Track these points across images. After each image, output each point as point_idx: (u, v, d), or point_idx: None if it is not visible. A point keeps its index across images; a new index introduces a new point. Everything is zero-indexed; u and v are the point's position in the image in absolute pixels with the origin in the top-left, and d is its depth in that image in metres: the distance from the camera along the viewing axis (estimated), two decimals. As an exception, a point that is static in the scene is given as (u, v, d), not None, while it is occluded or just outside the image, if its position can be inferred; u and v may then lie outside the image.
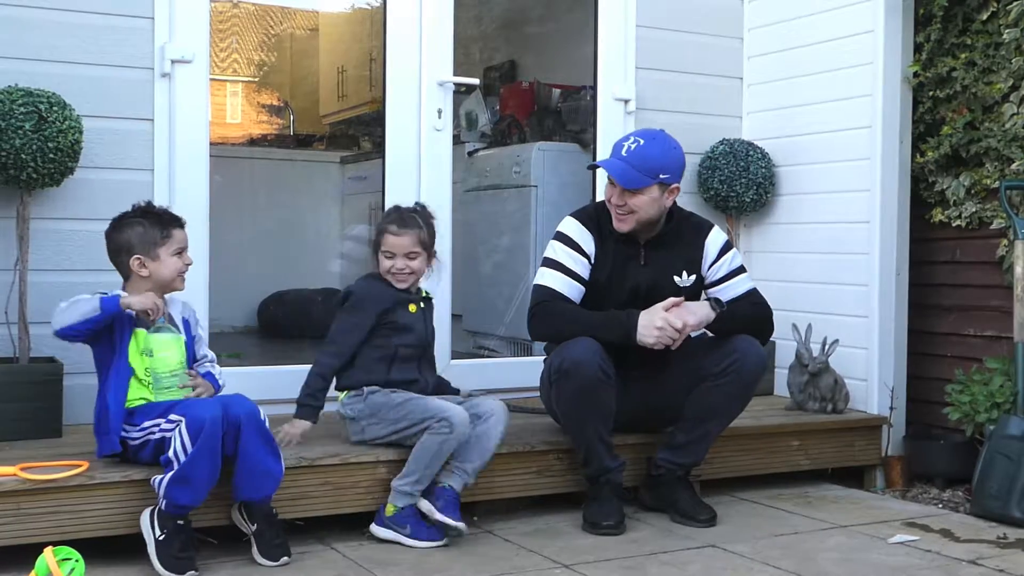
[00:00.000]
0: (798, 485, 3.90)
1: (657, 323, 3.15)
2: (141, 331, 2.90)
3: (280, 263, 6.22)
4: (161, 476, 2.72)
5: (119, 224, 2.97)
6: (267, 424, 2.85)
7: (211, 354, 3.15)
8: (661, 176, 3.22)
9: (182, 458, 2.69)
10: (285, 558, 2.85)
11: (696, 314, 3.22)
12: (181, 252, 2.98)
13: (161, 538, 2.71)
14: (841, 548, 3.14)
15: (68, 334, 2.81)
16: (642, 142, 3.25)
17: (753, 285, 3.46)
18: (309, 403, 3.15)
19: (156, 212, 2.99)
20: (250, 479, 2.80)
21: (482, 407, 3.17)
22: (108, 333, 2.86)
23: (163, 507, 2.72)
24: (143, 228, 2.93)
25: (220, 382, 3.07)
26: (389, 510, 3.06)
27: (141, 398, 2.87)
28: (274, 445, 2.85)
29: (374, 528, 3.08)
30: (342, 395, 3.25)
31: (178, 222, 3.00)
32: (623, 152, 3.25)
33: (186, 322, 3.07)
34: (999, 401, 3.67)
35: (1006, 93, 3.86)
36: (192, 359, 3.06)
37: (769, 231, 4.56)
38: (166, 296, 2.96)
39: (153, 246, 2.93)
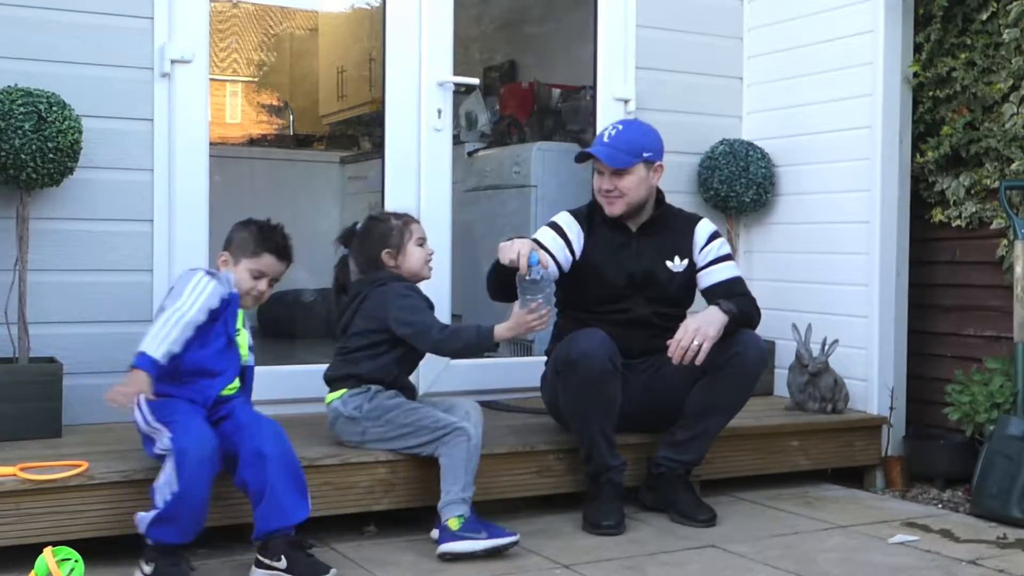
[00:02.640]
0: (798, 485, 3.90)
1: (502, 243, 3.18)
2: (241, 313, 2.99)
3: (280, 263, 6.21)
4: (145, 512, 2.64)
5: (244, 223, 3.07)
6: (298, 461, 2.79)
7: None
8: (644, 154, 3.40)
9: (166, 495, 2.60)
10: (334, 570, 2.71)
11: (714, 324, 3.21)
12: (260, 276, 2.99)
13: (150, 572, 2.64)
14: (841, 548, 3.14)
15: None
16: (621, 128, 3.47)
17: (739, 274, 3.55)
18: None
19: (270, 232, 3.03)
20: (269, 513, 2.68)
21: (457, 414, 3.13)
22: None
23: (150, 543, 2.65)
24: (250, 237, 3.00)
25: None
26: (454, 524, 2.93)
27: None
28: (302, 482, 2.76)
29: (445, 547, 2.92)
30: (341, 392, 3.18)
31: (279, 252, 3.03)
32: (605, 139, 3.45)
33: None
34: (999, 401, 3.67)
35: (1006, 93, 3.86)
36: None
37: (769, 231, 4.56)
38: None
39: (241, 254, 2.98)
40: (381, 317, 3.17)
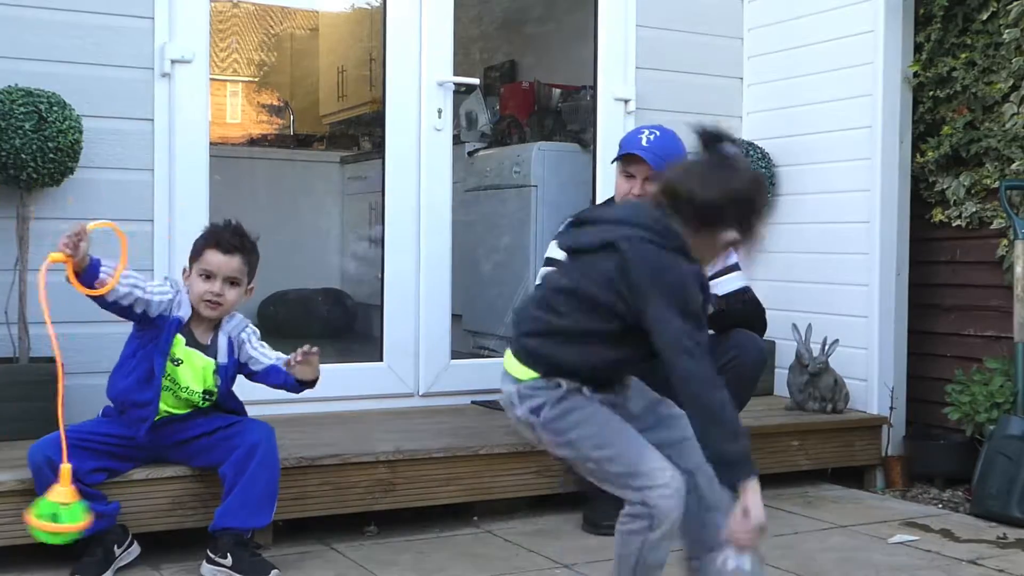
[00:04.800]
0: (798, 485, 3.90)
1: None
2: (180, 338, 2.81)
3: (280, 263, 6.20)
4: None
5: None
6: (278, 469, 2.81)
7: (279, 355, 2.94)
8: None
9: None
10: (276, 570, 2.73)
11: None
12: (209, 277, 2.79)
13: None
14: (841, 548, 3.14)
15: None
16: (658, 133, 3.36)
17: (747, 283, 3.52)
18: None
19: (216, 229, 2.86)
20: (233, 511, 2.74)
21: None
22: (151, 325, 2.78)
23: None
24: (199, 239, 2.86)
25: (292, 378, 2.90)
26: None
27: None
28: (274, 489, 2.79)
29: None
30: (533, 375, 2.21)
31: (221, 245, 2.80)
32: (644, 143, 3.32)
33: (231, 343, 2.87)
34: (999, 401, 3.67)
35: (1006, 93, 3.86)
36: (228, 383, 2.88)
37: (769, 231, 4.55)
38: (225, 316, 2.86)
39: (192, 260, 2.85)
40: None
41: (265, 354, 2.93)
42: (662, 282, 2.05)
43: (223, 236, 2.84)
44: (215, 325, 2.86)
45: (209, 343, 2.86)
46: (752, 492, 1.98)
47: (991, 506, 3.48)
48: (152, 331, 2.79)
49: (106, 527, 2.72)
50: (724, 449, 2.00)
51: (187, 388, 2.82)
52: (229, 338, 2.89)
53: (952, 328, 4.14)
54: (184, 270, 2.89)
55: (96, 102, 3.44)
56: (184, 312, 2.81)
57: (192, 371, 2.82)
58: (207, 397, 2.86)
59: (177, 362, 2.81)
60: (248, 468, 2.74)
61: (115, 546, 2.75)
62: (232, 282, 2.82)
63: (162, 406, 2.82)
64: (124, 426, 2.74)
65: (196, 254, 2.85)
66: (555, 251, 3.41)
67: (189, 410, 2.86)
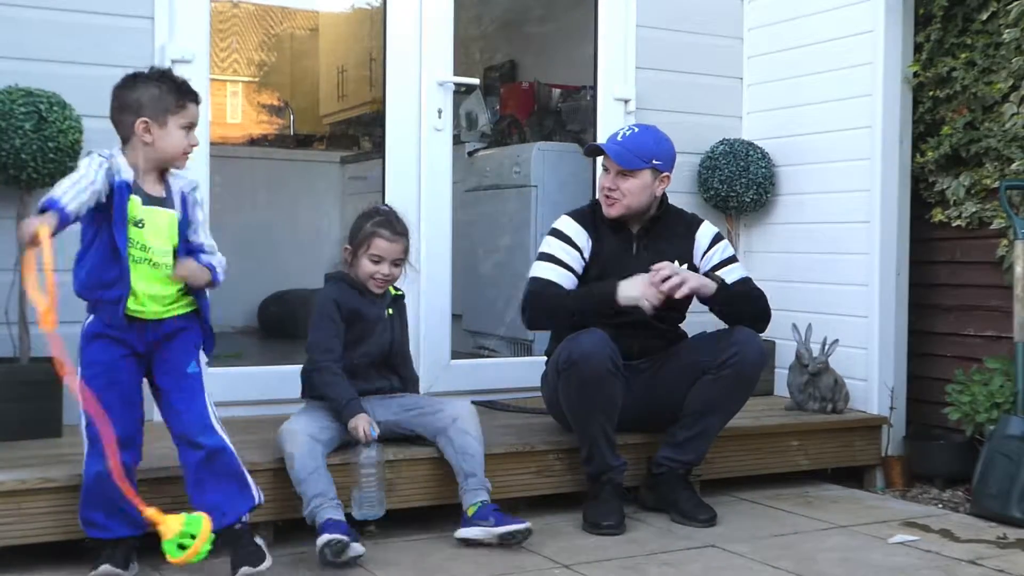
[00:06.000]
0: (798, 485, 3.90)
1: (639, 280, 3.25)
2: (135, 199, 2.61)
3: (280, 263, 6.22)
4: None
5: (132, 81, 2.69)
6: (236, 460, 2.73)
7: (211, 243, 2.79)
8: (654, 162, 3.39)
9: (88, 477, 2.63)
10: (268, 560, 2.69)
11: (702, 280, 3.30)
12: (190, 129, 2.70)
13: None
14: (841, 548, 3.14)
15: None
16: (636, 130, 3.46)
17: (747, 274, 3.55)
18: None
19: (175, 79, 2.72)
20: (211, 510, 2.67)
21: (445, 415, 3.14)
22: (104, 204, 2.57)
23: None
24: (158, 91, 2.67)
25: (220, 275, 2.75)
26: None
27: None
28: (241, 478, 2.74)
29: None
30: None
31: (195, 97, 2.73)
32: (618, 138, 3.44)
33: (184, 199, 2.73)
34: (999, 401, 3.67)
35: (1006, 93, 3.86)
36: (184, 243, 2.72)
37: (769, 231, 4.56)
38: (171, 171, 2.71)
39: (164, 112, 2.66)
40: None
41: (203, 224, 2.79)
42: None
43: (186, 87, 2.73)
44: (162, 177, 2.70)
45: (165, 195, 2.70)
46: (357, 419, 2.97)
47: (991, 506, 3.48)
48: (106, 207, 2.59)
49: (138, 534, 2.66)
50: (342, 412, 3.01)
51: (160, 250, 2.65)
52: (182, 193, 2.74)
53: (952, 328, 4.14)
54: (138, 122, 2.65)
55: (97, 102, 3.38)
56: (127, 174, 2.61)
57: (156, 229, 2.65)
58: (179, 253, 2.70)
59: (140, 224, 2.62)
60: (207, 476, 2.69)
61: (134, 553, 2.71)
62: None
63: (139, 305, 2.65)
64: (104, 317, 2.63)
65: (174, 106, 2.67)
66: (549, 245, 3.44)
67: (172, 302, 2.71)
